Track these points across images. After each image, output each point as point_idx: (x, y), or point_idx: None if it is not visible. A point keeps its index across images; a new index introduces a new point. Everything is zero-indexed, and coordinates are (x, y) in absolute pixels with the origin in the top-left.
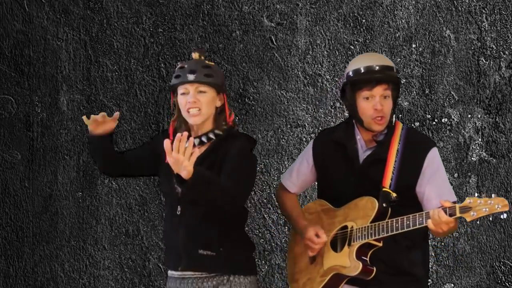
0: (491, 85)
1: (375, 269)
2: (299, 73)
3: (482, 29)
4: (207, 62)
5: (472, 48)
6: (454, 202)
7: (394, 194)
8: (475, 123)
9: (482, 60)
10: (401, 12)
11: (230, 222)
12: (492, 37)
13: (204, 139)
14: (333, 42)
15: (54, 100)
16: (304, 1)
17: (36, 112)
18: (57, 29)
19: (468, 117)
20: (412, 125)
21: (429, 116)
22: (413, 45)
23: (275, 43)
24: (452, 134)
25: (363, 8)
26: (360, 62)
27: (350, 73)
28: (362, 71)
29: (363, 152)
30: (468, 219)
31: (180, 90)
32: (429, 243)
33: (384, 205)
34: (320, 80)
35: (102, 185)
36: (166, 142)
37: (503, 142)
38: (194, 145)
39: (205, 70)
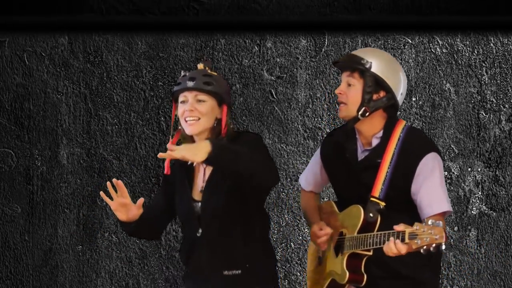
0: (491, 139)
1: (365, 277)
2: (299, 126)
3: (482, 82)
4: (209, 71)
5: (472, 101)
6: (446, 213)
7: (383, 204)
8: (475, 176)
9: (482, 114)
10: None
11: (254, 231)
12: (492, 91)
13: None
14: (333, 95)
15: (54, 153)
16: (304, 54)
17: (36, 166)
18: (57, 82)
19: (468, 170)
20: None
21: None
22: (413, 99)
23: (275, 96)
24: (452, 188)
25: None
26: None
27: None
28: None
29: (361, 153)
30: (413, 247)
31: (180, 98)
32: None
33: (371, 215)
34: (320, 134)
35: (102, 239)
36: (169, 145)
37: (503, 195)
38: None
39: (205, 78)
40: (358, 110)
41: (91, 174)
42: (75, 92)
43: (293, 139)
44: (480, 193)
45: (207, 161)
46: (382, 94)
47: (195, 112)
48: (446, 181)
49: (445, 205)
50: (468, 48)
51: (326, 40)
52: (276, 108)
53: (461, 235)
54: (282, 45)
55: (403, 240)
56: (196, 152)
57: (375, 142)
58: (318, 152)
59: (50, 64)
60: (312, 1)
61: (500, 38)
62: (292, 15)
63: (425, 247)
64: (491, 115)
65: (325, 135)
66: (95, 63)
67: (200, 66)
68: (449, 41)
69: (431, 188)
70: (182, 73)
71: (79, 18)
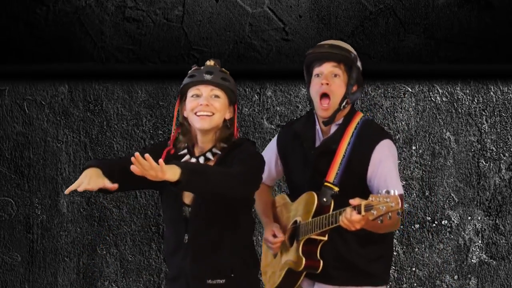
0: (491, 187)
1: (321, 262)
2: None
3: (482, 131)
4: (223, 69)
5: (472, 150)
6: (401, 196)
7: (336, 189)
8: (475, 225)
9: (482, 162)
10: (401, 114)
11: (241, 240)
12: (492, 139)
13: (209, 155)
14: None
15: (54, 202)
16: (304, 103)
17: (36, 214)
18: (57, 131)
19: (468, 219)
20: (412, 227)
21: (429, 218)
22: (413, 147)
23: None
24: (452, 236)
25: (363, 109)
26: (316, 46)
27: (305, 55)
28: (314, 50)
29: (319, 141)
30: (370, 218)
31: (192, 91)
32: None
33: (324, 199)
34: None
35: (102, 287)
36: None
37: (503, 244)
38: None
39: (222, 74)
40: (341, 103)
41: (91, 222)
42: (75, 140)
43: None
44: (480, 241)
45: (178, 186)
46: (356, 87)
47: (210, 107)
48: (446, 230)
49: (400, 189)
50: (468, 97)
51: None
52: None
53: (461, 283)
54: (282, 94)
55: (359, 213)
56: (166, 175)
57: (333, 129)
58: (273, 144)
59: (50, 113)
60: None
61: (500, 87)
62: (292, 63)
63: (381, 217)
64: (491, 164)
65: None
66: (95, 112)
67: (211, 62)
68: (449, 89)
69: (387, 172)
70: (194, 67)
71: (79, 66)
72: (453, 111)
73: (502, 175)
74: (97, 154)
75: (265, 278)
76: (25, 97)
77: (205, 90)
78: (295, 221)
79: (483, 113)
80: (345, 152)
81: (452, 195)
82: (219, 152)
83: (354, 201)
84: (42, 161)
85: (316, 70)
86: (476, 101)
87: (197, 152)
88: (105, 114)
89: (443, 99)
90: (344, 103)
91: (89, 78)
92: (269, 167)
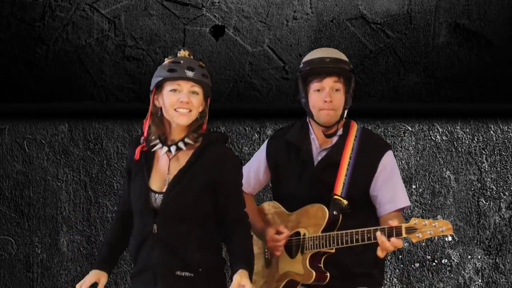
0: (491, 226)
1: (328, 275)
2: None
3: (482, 170)
4: (200, 63)
5: (472, 189)
6: (406, 207)
7: (346, 202)
8: (475, 264)
9: (482, 201)
10: (401, 153)
11: (211, 238)
12: (492, 178)
13: (181, 145)
14: None
15: (54, 241)
16: None
17: (36, 253)
18: (57, 170)
19: (468, 258)
20: (412, 265)
21: (429, 257)
22: (413, 186)
23: None
24: (452, 275)
25: None
26: (312, 55)
27: (301, 66)
28: (313, 63)
29: (317, 153)
30: (414, 240)
31: (171, 86)
32: None
33: (334, 213)
34: None
35: None
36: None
37: (503, 283)
38: (169, 151)
39: (202, 70)
40: (342, 114)
41: (91, 261)
42: (75, 179)
43: None
44: (480, 280)
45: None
46: (350, 97)
47: (190, 104)
48: (446, 269)
49: (405, 201)
50: (468, 136)
51: None
52: None
53: None
54: None
55: (398, 235)
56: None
57: (334, 139)
58: (261, 154)
59: (50, 152)
60: None
61: (500, 126)
62: (292, 102)
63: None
64: (491, 203)
65: (269, 137)
66: (95, 151)
67: (185, 53)
68: (449, 128)
69: (392, 184)
70: (171, 58)
71: (79, 105)
72: (453, 150)
73: (502, 214)
74: (97, 193)
75: (254, 287)
76: (25, 136)
77: (185, 86)
78: (297, 233)
79: (483, 152)
80: (348, 163)
81: (452, 234)
82: (191, 142)
83: (393, 222)
84: (42, 200)
85: (316, 85)
86: (476, 140)
87: (169, 141)
88: (105, 153)
89: (443, 138)
90: (345, 114)
91: (89, 117)
92: (257, 177)
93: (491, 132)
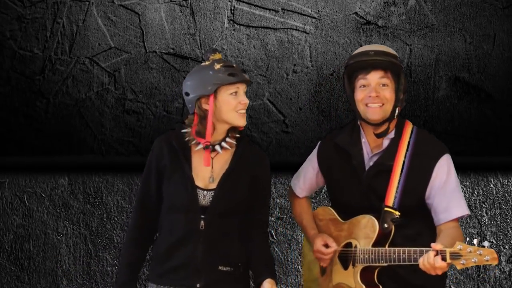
0: (491, 280)
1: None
2: (299, 267)
3: (482, 223)
4: None
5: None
6: (463, 217)
7: (397, 213)
8: None
9: None
10: None
11: (245, 233)
12: (492, 231)
13: (225, 145)
14: None
15: None
16: None
17: None
18: (57, 223)
19: None
20: None
21: None
22: None
23: (275, 237)
24: None
25: None
26: (357, 50)
27: (347, 62)
28: (357, 56)
29: (369, 159)
30: (458, 267)
31: (231, 89)
32: None
33: (385, 226)
34: None
35: None
36: None
37: None
38: (213, 150)
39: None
40: (393, 111)
41: None
42: (75, 233)
43: (293, 280)
44: None
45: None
46: (402, 95)
47: (246, 105)
48: None
49: (463, 209)
50: (468, 189)
51: None
52: (276, 249)
53: None
54: (282, 186)
55: (444, 260)
56: None
57: (386, 143)
58: (313, 157)
59: (50, 205)
60: (312, 142)
61: (500, 179)
62: (292, 155)
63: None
64: None
65: (320, 140)
66: (95, 204)
67: (219, 55)
68: None
69: (448, 192)
70: (222, 63)
71: (79, 159)
72: None
73: (502, 267)
74: (97, 247)
75: None
76: (25, 189)
77: (242, 89)
78: (349, 243)
79: (483, 205)
80: (401, 170)
81: (452, 287)
82: (234, 142)
83: (436, 246)
84: (42, 254)
85: (361, 81)
86: (476, 193)
87: (212, 141)
88: (105, 207)
89: None
90: (396, 112)
91: (89, 170)
92: (310, 181)
93: (491, 185)
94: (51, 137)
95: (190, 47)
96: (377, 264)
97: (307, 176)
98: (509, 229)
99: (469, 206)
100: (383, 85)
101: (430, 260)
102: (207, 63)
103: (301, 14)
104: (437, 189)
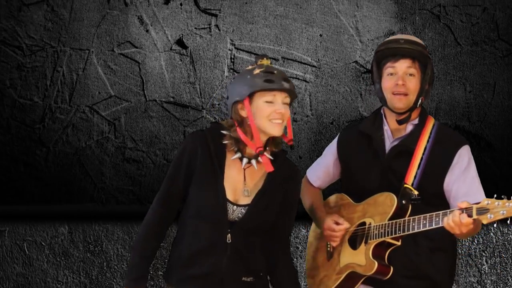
0: None
1: (392, 268)
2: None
3: (482, 272)
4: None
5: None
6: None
7: (416, 192)
8: None
9: None
10: None
11: (268, 247)
12: (492, 280)
13: (268, 155)
14: None
15: None
16: (303, 244)
17: None
18: (57, 272)
19: None
20: None
21: None
22: None
23: None
24: None
25: None
26: (389, 38)
27: (377, 48)
28: (387, 43)
29: (390, 143)
30: (484, 222)
31: (266, 97)
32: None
33: (403, 202)
34: None
35: None
36: None
37: None
38: (248, 162)
39: (291, 82)
40: (416, 101)
41: None
42: (75, 281)
43: None
44: None
45: None
46: (427, 86)
47: (284, 115)
48: None
49: (482, 196)
50: (468, 238)
51: None
52: None
53: None
54: None
55: (470, 216)
56: None
57: (409, 128)
58: (333, 146)
59: (50, 254)
60: None
61: (500, 228)
62: None
63: (495, 221)
64: None
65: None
66: (95, 253)
67: (267, 61)
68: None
69: (468, 179)
70: (261, 69)
71: (79, 207)
72: None
73: None
74: None
75: (312, 281)
76: (25, 238)
77: (280, 97)
78: (362, 223)
79: (483, 254)
80: (423, 154)
81: None
82: (270, 157)
83: (463, 204)
84: None
85: (389, 69)
86: (476, 242)
87: (246, 152)
88: (105, 255)
89: None
90: (420, 101)
91: (89, 219)
92: (327, 169)
93: (491, 234)
94: (51, 185)
95: (190, 95)
96: (392, 240)
97: (325, 164)
98: (509, 277)
99: (469, 255)
100: (410, 74)
101: (455, 218)
102: (250, 67)
103: (301, 62)
104: (458, 176)
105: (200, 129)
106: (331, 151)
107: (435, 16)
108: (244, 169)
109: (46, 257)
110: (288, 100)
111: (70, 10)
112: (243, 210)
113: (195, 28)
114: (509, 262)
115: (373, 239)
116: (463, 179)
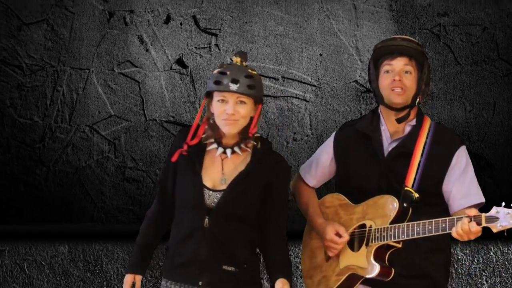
0: None
1: (393, 270)
2: None
3: None
4: (249, 70)
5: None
6: (481, 204)
7: (417, 195)
8: None
9: None
10: None
11: (254, 237)
12: None
13: (237, 150)
14: None
15: None
16: None
17: None
18: None
19: None
20: None
21: None
22: None
23: None
24: None
25: None
26: (386, 38)
27: (375, 46)
28: (384, 41)
29: (388, 144)
30: (494, 230)
31: (218, 96)
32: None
33: (405, 205)
34: None
35: None
36: None
37: None
38: (223, 152)
39: (248, 81)
40: (414, 99)
41: None
42: None
43: None
44: None
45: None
46: (424, 86)
47: (236, 115)
48: None
49: (480, 197)
50: (468, 257)
51: None
52: None
53: None
54: None
55: (479, 224)
56: None
57: (407, 129)
58: (328, 145)
59: (50, 273)
60: None
61: (500, 247)
62: (291, 223)
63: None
64: None
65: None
66: (95, 272)
67: (237, 60)
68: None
69: (467, 179)
70: (220, 69)
71: (79, 227)
72: (453, 271)
73: None
74: None
75: (311, 282)
76: (25, 257)
77: (231, 98)
78: (362, 225)
79: (483, 273)
80: (421, 155)
81: None
82: (246, 148)
83: (471, 212)
84: None
85: (387, 66)
86: (476, 261)
87: (223, 144)
88: (105, 275)
89: None
90: (417, 100)
91: (89, 238)
92: (323, 169)
93: (491, 253)
94: (51, 205)
95: (190, 115)
96: (393, 243)
97: (320, 163)
98: None
99: (469, 274)
100: (407, 72)
101: (465, 226)
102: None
103: (301, 82)
104: (457, 176)
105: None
106: (326, 150)
107: (435, 36)
108: (222, 159)
109: (46, 276)
110: (244, 99)
111: (70, 29)
112: (218, 195)
113: (195, 47)
114: (509, 281)
115: (374, 241)
116: (462, 180)
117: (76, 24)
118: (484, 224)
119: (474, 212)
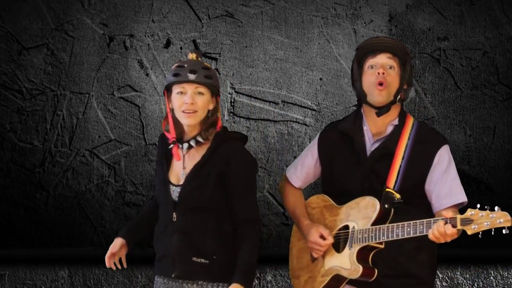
0: None
1: (376, 271)
2: None
3: None
4: (205, 64)
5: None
6: (463, 203)
7: (398, 196)
8: None
9: None
10: None
11: (225, 228)
12: None
13: (192, 143)
14: None
15: None
16: None
17: None
18: None
19: None
20: None
21: None
22: None
23: None
24: None
25: None
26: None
27: (357, 46)
28: (368, 40)
29: (370, 145)
30: (469, 232)
31: (177, 89)
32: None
33: (386, 206)
34: None
35: None
36: None
37: None
38: (181, 148)
39: (205, 71)
40: (396, 95)
41: None
42: None
43: None
44: None
45: None
46: (406, 86)
47: (195, 105)
48: None
49: (463, 196)
50: (468, 281)
51: None
52: None
53: None
54: (282, 278)
55: (454, 226)
56: None
57: (390, 129)
58: (313, 147)
59: None
60: None
61: (500, 271)
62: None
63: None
64: None
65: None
66: None
67: (192, 56)
68: (449, 274)
69: (450, 179)
70: (177, 64)
71: (79, 251)
72: None
73: None
74: None
75: (298, 282)
76: (25, 281)
77: (189, 88)
78: (346, 226)
79: None
80: (403, 155)
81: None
82: (202, 140)
83: (448, 214)
84: None
85: (370, 62)
86: (476, 285)
87: (184, 139)
88: None
89: (443, 284)
90: (399, 96)
91: (89, 262)
92: (308, 170)
93: (491, 278)
94: (51, 229)
95: None
96: (377, 242)
97: (305, 165)
98: None
99: None
100: (390, 67)
101: (440, 229)
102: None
103: (301, 106)
104: (439, 176)
105: None
106: (311, 151)
107: (435, 60)
108: (184, 154)
109: None
110: (202, 89)
111: (70, 53)
112: (179, 189)
113: None
114: None
115: (357, 243)
116: (444, 179)
117: (76, 49)
118: (459, 227)
119: (451, 214)
